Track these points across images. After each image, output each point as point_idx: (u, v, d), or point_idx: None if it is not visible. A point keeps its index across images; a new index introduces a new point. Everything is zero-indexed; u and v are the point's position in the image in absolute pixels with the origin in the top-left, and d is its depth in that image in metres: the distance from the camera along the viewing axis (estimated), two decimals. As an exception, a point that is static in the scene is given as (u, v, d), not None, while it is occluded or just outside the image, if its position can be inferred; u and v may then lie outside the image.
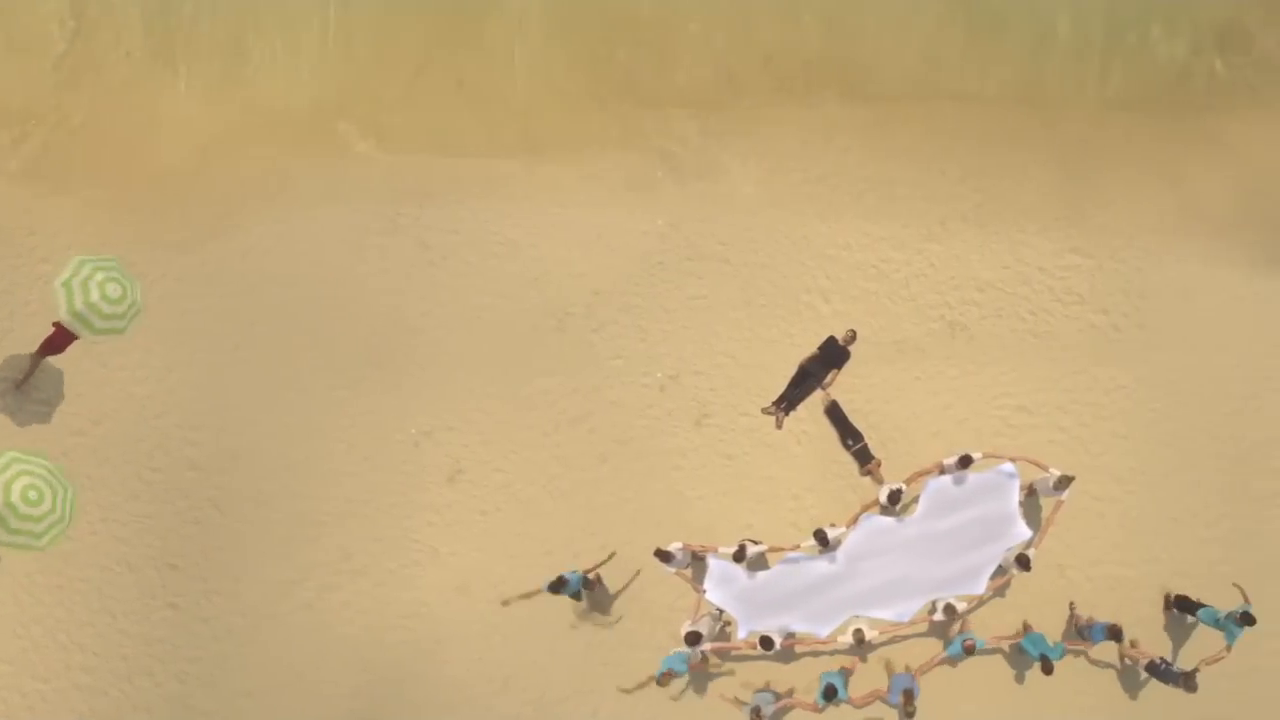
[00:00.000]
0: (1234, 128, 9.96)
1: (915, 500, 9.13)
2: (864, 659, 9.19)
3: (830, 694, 8.26)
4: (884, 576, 9.12)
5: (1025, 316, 9.70)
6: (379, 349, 9.68)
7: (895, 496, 8.91)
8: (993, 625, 9.25)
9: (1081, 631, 8.98)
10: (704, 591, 9.11)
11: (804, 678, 9.16)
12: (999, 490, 9.11)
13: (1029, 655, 8.79)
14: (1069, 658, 9.11)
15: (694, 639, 8.76)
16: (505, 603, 9.28)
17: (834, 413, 9.60)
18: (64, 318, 7.95)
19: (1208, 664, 8.50)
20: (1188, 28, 9.75)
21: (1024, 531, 9.11)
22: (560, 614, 9.38)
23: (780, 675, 9.28)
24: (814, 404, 9.67)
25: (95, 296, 7.88)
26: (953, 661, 8.97)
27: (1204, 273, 9.76)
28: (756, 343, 9.69)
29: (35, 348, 8.83)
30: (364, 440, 9.59)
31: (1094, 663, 9.37)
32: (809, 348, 9.65)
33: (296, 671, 9.38)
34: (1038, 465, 8.86)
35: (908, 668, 9.05)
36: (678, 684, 9.29)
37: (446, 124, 9.84)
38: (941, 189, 9.85)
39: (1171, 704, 9.21)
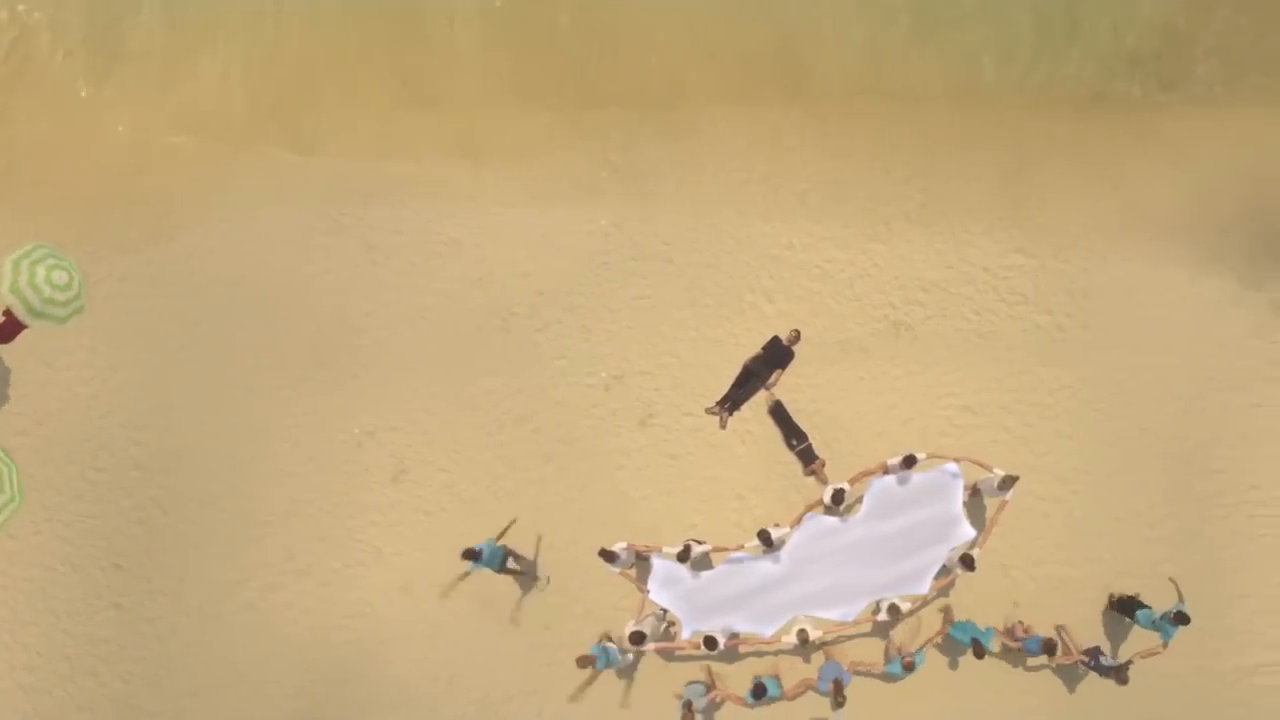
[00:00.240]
0: (1178, 128, 9.92)
1: (859, 500, 9.11)
2: (807, 659, 9.19)
3: (760, 692, 8.27)
4: (828, 576, 9.10)
5: (969, 316, 9.68)
6: (323, 349, 9.69)
7: (839, 496, 8.89)
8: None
9: (1020, 637, 8.94)
10: (648, 591, 9.09)
11: (746, 676, 9.16)
12: (943, 490, 9.09)
13: (960, 643, 8.78)
14: (1013, 659, 9.19)
15: (638, 639, 8.75)
16: (445, 595, 9.28)
17: (778, 413, 9.59)
18: (3, 293, 7.98)
19: (1142, 657, 8.50)
20: (1130, 27, 9.71)
21: (968, 531, 9.09)
22: (504, 614, 9.39)
23: (724, 673, 9.29)
24: (758, 404, 9.65)
25: (48, 291, 8.02)
26: (892, 679, 8.97)
27: (1148, 273, 9.73)
28: (701, 343, 9.67)
29: None
30: (308, 440, 9.59)
31: (1037, 664, 9.34)
32: (753, 348, 9.64)
33: (240, 671, 9.40)
34: (982, 465, 8.83)
35: (850, 664, 9.02)
36: (623, 684, 9.32)
37: (390, 124, 9.82)
38: (885, 189, 9.82)
39: (1115, 705, 9.23)
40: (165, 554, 9.51)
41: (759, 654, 9.27)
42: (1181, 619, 8.24)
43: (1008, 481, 8.73)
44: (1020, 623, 9.11)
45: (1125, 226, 9.80)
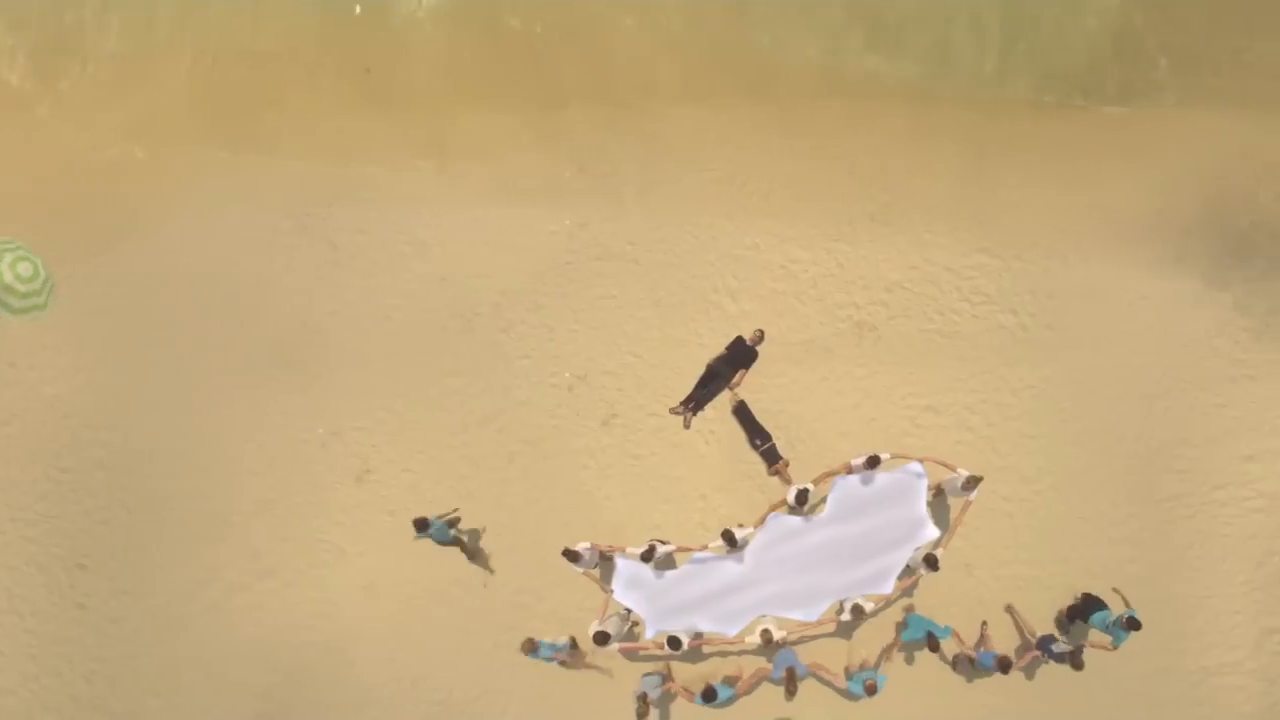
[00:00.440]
0: (1142, 129, 9.89)
1: (823, 501, 9.06)
2: (770, 660, 9.17)
3: (710, 696, 8.24)
4: (792, 577, 9.04)
5: (933, 316, 9.67)
6: (287, 349, 9.69)
7: (803, 497, 8.85)
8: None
9: (974, 654, 8.91)
10: (612, 591, 9.06)
11: (711, 675, 9.18)
12: (907, 490, 9.02)
13: (917, 638, 8.76)
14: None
15: (602, 639, 8.72)
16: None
17: (742, 413, 9.58)
18: None
19: (1092, 645, 8.49)
20: (1095, 28, 9.70)
21: (932, 532, 9.02)
22: (468, 614, 9.39)
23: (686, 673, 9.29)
24: (722, 404, 9.64)
25: (9, 278, 7.94)
26: (853, 698, 8.90)
27: (1112, 273, 9.70)
28: (664, 343, 9.67)
29: None
30: (272, 440, 9.60)
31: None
32: (717, 348, 9.64)
33: (205, 672, 9.40)
34: (946, 465, 8.79)
35: (812, 664, 9.01)
36: (587, 683, 9.31)
37: (354, 125, 9.83)
38: (849, 189, 9.81)
39: (1080, 706, 9.23)
40: (129, 554, 9.52)
41: (723, 654, 9.26)
42: (1133, 625, 8.21)
43: (972, 482, 8.70)
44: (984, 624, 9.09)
45: (1089, 226, 9.77)
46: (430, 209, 9.82)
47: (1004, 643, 9.11)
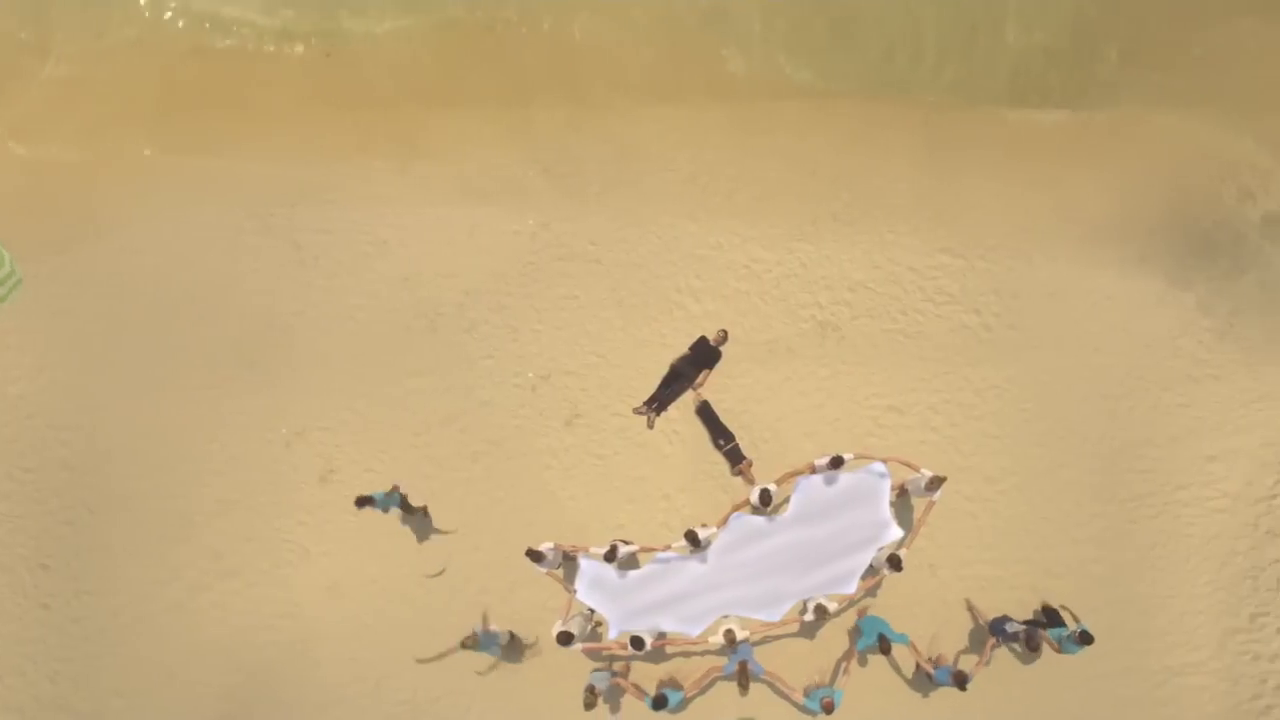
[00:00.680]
0: (1104, 128, 9.88)
1: (786, 501, 9.05)
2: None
3: (660, 703, 8.22)
4: (755, 577, 9.03)
5: (896, 316, 9.66)
6: (251, 349, 9.70)
7: (766, 497, 8.82)
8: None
9: (931, 669, 8.88)
10: (575, 592, 9.06)
11: (674, 674, 9.17)
12: (870, 490, 9.01)
13: (869, 641, 8.74)
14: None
15: (565, 639, 8.71)
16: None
17: (705, 413, 9.58)
18: None
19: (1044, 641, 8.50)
20: (1051, 28, 9.70)
21: (896, 532, 9.01)
22: (432, 614, 9.38)
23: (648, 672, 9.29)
24: (685, 404, 9.64)
25: None
26: (810, 714, 8.86)
27: (1076, 273, 9.69)
28: (628, 343, 9.67)
29: None
30: (236, 440, 9.61)
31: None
32: (680, 348, 9.63)
33: (168, 672, 9.40)
34: (909, 466, 8.77)
35: (769, 673, 8.98)
36: (550, 683, 9.30)
37: (317, 124, 9.83)
38: (812, 188, 9.81)
39: (1044, 706, 9.21)
40: (93, 554, 9.52)
41: (685, 654, 9.26)
42: (1086, 639, 8.18)
43: (935, 482, 8.69)
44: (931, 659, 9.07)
45: (1053, 226, 9.76)
46: (394, 209, 9.82)
47: (955, 645, 9.09)
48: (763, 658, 9.02)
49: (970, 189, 9.78)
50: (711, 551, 9.04)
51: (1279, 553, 9.33)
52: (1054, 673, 9.04)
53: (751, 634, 9.01)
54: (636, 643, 8.70)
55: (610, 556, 8.81)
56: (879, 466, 8.96)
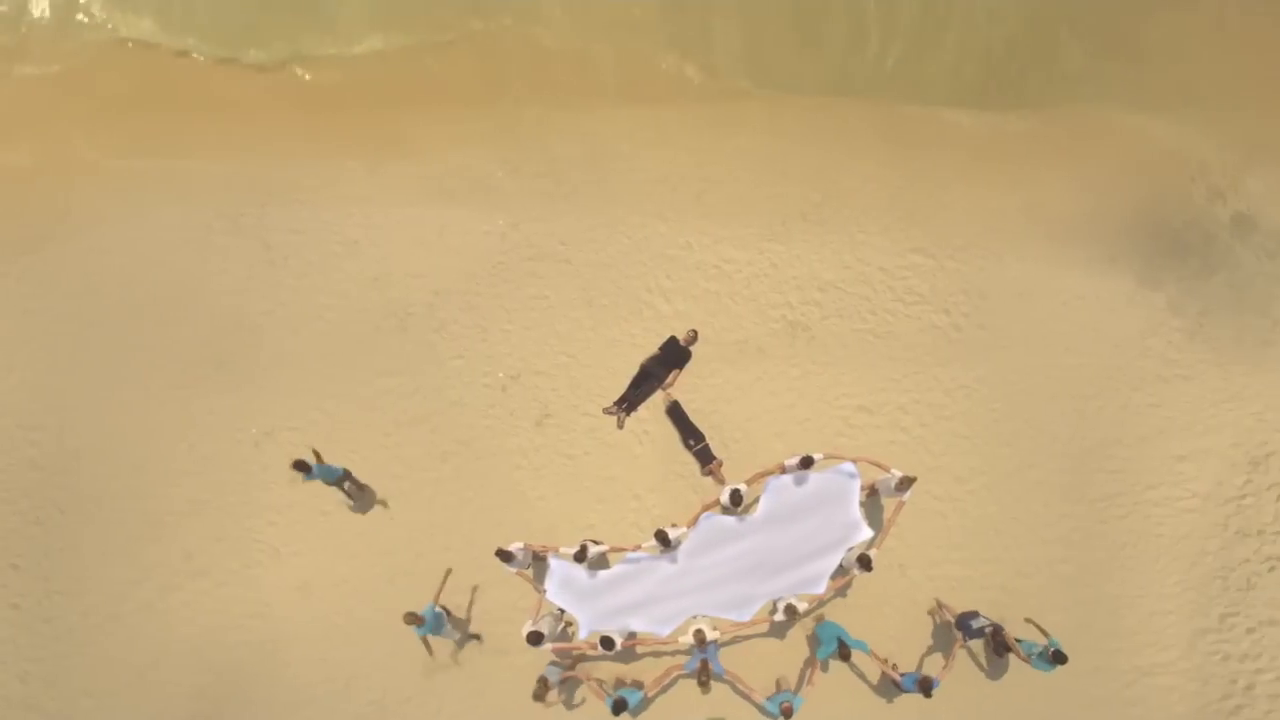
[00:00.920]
0: (1075, 129, 9.89)
1: (757, 501, 9.04)
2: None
3: (619, 707, 8.20)
4: (726, 578, 9.02)
5: (866, 316, 9.65)
6: (221, 349, 9.69)
7: (736, 497, 8.81)
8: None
9: (898, 676, 8.86)
10: (545, 592, 9.05)
11: (644, 674, 9.16)
12: (840, 490, 8.99)
13: (830, 649, 8.73)
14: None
15: (536, 639, 8.69)
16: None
17: (675, 413, 9.58)
18: None
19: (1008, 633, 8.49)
20: (1014, 27, 9.68)
21: (865, 532, 9.00)
22: (402, 614, 9.35)
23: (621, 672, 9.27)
24: (655, 404, 9.64)
25: None
26: (770, 717, 8.84)
27: (1045, 273, 9.69)
28: (598, 343, 9.66)
29: None
30: (206, 440, 9.59)
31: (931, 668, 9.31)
32: (650, 348, 9.63)
33: (138, 671, 9.39)
34: (879, 466, 8.75)
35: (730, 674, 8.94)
36: (521, 684, 9.28)
37: (288, 124, 9.81)
38: (782, 188, 9.79)
39: (1015, 706, 9.21)
40: (63, 554, 9.51)
41: (656, 654, 9.25)
42: (1059, 658, 8.12)
43: (905, 482, 8.67)
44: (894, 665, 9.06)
45: (1022, 226, 9.76)
46: (363, 209, 9.81)
47: (924, 645, 9.09)
48: (731, 657, 9.03)
49: (940, 189, 9.77)
50: (682, 552, 9.02)
51: (1248, 553, 9.32)
52: (1022, 673, 9.05)
53: (722, 634, 9.00)
54: (607, 643, 8.68)
55: (580, 556, 8.79)
56: (849, 467, 8.94)
